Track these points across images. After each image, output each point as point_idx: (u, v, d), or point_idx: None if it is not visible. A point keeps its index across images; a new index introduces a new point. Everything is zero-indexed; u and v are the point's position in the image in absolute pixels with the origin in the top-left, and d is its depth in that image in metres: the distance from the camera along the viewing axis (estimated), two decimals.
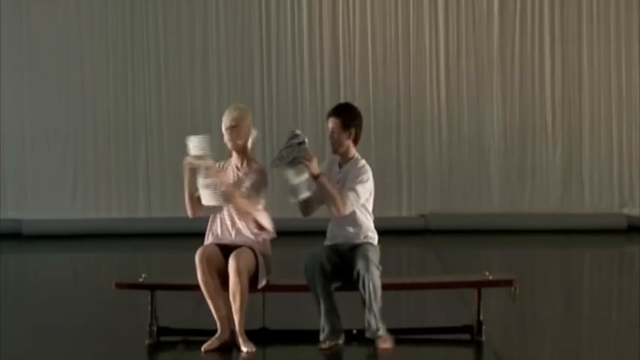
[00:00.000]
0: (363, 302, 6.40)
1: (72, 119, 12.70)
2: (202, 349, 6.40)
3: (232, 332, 6.47)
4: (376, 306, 6.37)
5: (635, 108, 12.94)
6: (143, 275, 6.86)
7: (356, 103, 12.62)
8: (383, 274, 6.45)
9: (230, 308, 6.42)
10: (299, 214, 6.83)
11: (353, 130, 6.64)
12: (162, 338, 6.72)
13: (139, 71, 12.77)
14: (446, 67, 12.96)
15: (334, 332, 6.45)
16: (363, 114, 13.31)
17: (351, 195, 6.46)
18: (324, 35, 12.89)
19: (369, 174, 6.56)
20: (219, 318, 6.49)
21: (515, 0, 12.96)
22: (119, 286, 6.87)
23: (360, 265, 6.39)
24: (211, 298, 6.45)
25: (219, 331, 6.49)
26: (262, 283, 6.53)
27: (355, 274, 6.42)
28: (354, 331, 6.78)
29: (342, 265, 6.51)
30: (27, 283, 9.88)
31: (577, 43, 12.97)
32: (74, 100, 12.70)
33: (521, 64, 12.99)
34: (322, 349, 6.40)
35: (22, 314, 7.92)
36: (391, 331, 6.83)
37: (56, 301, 8.44)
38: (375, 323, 6.39)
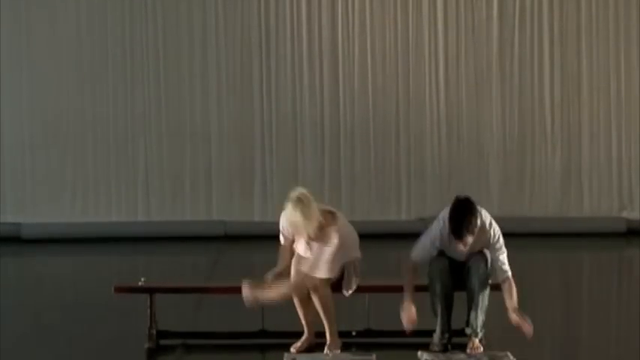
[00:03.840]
0: (470, 299, 6.50)
1: (71, 123, 12.69)
2: (292, 349, 6.53)
3: (316, 334, 6.62)
4: (483, 305, 6.49)
5: (635, 111, 12.94)
6: (142, 279, 6.86)
7: (355, 108, 12.90)
8: (384, 277, 6.46)
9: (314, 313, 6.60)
10: None
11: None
12: (162, 342, 6.72)
13: (138, 75, 12.76)
14: (445, 72, 12.96)
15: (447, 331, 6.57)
16: (363, 118, 13.44)
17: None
18: (324, 40, 12.88)
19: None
20: (306, 323, 6.64)
21: (515, 4, 12.96)
22: (118, 289, 6.87)
23: (474, 262, 6.51)
24: (301, 306, 6.61)
25: (306, 334, 6.64)
26: (349, 290, 6.62)
27: (466, 269, 6.54)
28: (353, 333, 6.79)
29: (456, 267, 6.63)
30: (26, 286, 9.87)
31: (576, 46, 12.97)
32: (73, 104, 12.69)
33: (521, 68, 12.99)
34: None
35: (21, 318, 7.92)
36: (391, 333, 6.84)
37: (55, 305, 8.44)
38: (477, 322, 6.50)
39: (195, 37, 12.76)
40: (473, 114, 12.98)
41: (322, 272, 6.47)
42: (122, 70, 12.73)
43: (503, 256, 6.56)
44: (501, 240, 6.58)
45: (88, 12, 12.67)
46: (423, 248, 6.65)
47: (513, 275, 6.55)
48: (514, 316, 6.36)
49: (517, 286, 6.64)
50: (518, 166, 12.94)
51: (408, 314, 6.39)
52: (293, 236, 6.61)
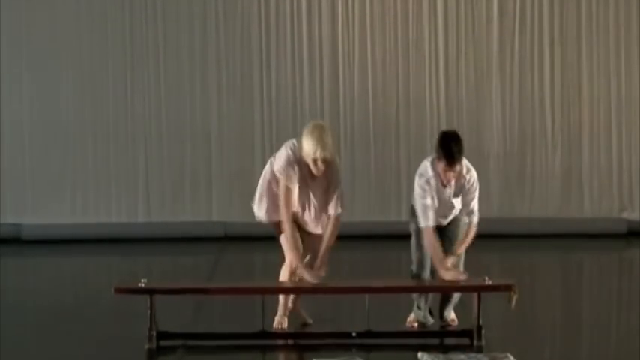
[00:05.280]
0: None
1: (71, 124, 12.68)
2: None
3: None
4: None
5: (635, 112, 12.93)
6: (143, 280, 6.86)
7: (355, 109, 12.90)
8: (384, 278, 6.45)
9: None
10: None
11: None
12: (162, 343, 6.72)
13: (138, 76, 12.75)
14: (445, 72, 12.95)
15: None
16: (362, 119, 13.40)
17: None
18: (324, 41, 12.87)
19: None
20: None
21: (515, 5, 12.96)
22: (119, 290, 6.87)
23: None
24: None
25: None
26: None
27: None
28: (354, 334, 6.79)
29: None
30: (26, 287, 9.87)
31: (576, 47, 12.96)
32: (73, 105, 12.68)
33: (521, 69, 12.98)
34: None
35: (21, 319, 7.92)
36: (391, 334, 6.84)
37: (56, 306, 8.44)
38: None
39: (195, 37, 12.75)
40: (473, 114, 12.97)
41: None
42: (122, 70, 12.73)
43: (474, 202, 6.88)
44: (476, 185, 6.92)
45: (88, 12, 12.66)
46: (427, 209, 6.85)
47: (513, 276, 6.54)
48: (450, 271, 6.72)
49: (518, 286, 6.64)
50: (519, 167, 12.93)
51: (455, 273, 6.72)
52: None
